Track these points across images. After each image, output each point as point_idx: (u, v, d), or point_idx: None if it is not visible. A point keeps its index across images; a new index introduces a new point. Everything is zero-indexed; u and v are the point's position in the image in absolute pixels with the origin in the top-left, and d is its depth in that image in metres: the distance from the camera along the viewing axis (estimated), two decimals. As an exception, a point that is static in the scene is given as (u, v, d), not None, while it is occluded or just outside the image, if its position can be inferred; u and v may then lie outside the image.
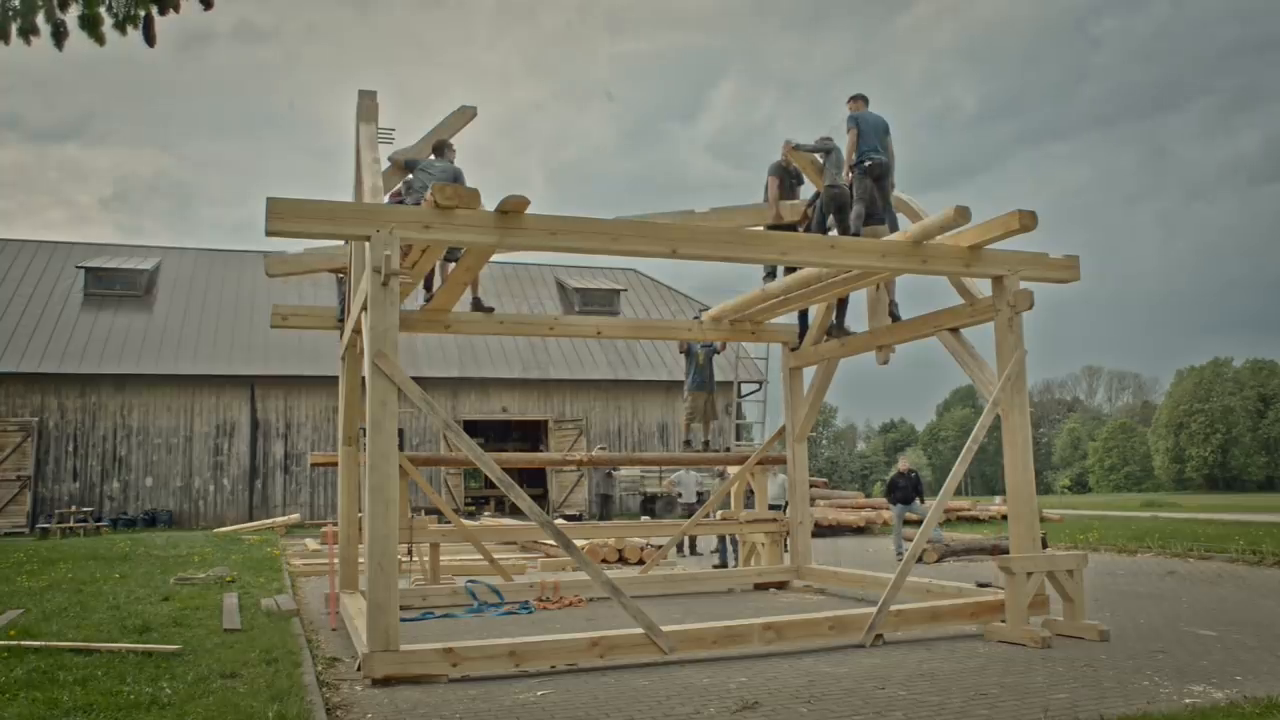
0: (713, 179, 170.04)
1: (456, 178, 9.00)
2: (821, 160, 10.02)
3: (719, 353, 13.37)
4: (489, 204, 7.28)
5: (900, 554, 15.42)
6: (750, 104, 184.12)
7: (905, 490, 15.86)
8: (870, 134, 9.61)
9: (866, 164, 9.53)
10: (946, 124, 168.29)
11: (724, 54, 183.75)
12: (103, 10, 4.06)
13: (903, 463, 16.68)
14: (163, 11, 4.14)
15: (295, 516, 25.86)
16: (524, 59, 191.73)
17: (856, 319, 10.74)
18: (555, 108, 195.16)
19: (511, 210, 7.10)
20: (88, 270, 29.77)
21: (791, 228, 10.20)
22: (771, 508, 13.21)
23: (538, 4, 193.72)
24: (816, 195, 10.15)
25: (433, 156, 9.44)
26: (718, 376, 13.88)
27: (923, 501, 16.08)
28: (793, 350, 11.72)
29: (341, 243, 9.55)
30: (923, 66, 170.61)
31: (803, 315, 11.48)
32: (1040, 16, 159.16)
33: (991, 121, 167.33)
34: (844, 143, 9.80)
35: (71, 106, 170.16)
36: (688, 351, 13.17)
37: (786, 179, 10.57)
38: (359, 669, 6.51)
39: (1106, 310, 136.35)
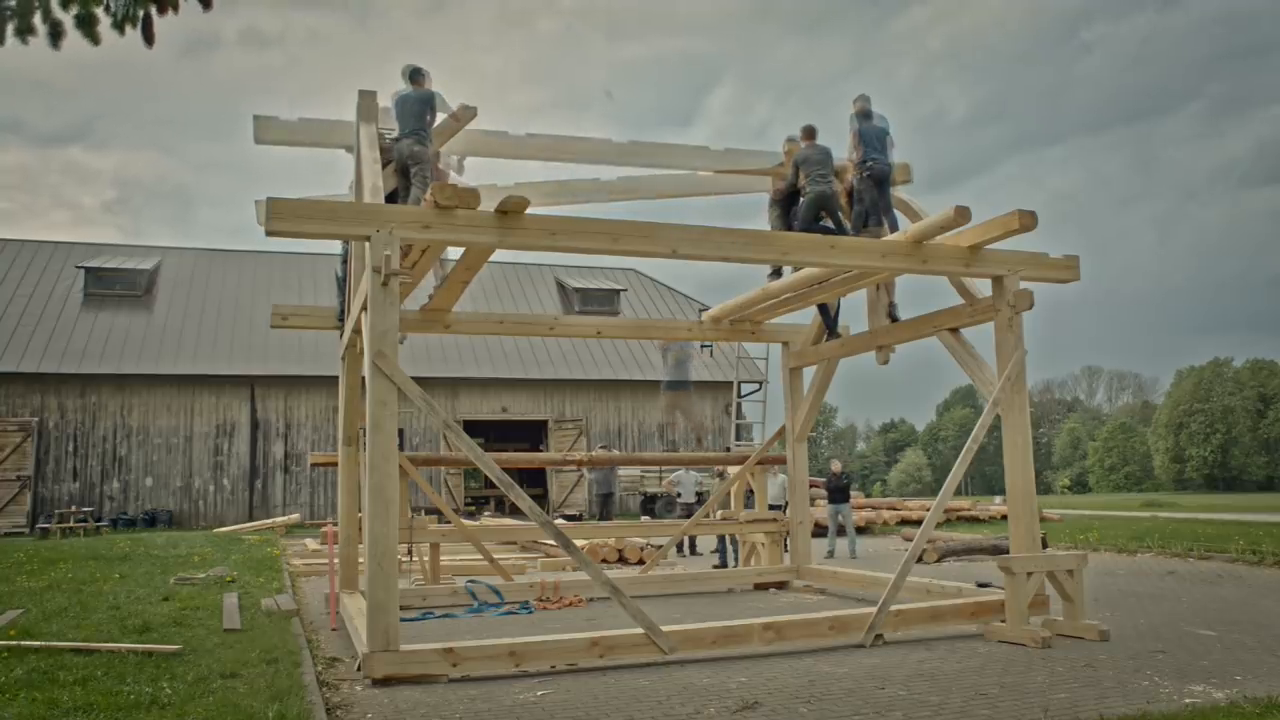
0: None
1: (430, 101, 8.83)
2: (805, 175, 9.97)
3: (691, 357, 13.53)
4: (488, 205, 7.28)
5: (831, 554, 15.62)
6: (746, 109, 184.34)
7: (836, 491, 16.52)
8: (872, 137, 9.62)
9: (869, 165, 9.53)
10: (940, 128, 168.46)
11: (720, 60, 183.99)
12: (100, 10, 4.02)
13: (835, 465, 17.06)
14: (161, 11, 4.10)
15: (295, 516, 25.84)
16: (522, 65, 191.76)
17: (857, 319, 10.72)
18: (553, 113, 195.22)
19: (511, 210, 7.11)
20: (88, 270, 29.75)
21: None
22: (771, 508, 13.22)
23: (536, 10, 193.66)
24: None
25: (409, 87, 8.99)
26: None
27: (847, 501, 16.61)
28: (820, 341, 11.45)
29: (341, 120, 9.25)
30: (916, 71, 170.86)
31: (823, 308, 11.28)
32: (1032, 22, 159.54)
33: (984, 125, 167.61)
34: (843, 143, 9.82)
35: (74, 110, 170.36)
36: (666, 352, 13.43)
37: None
38: (359, 669, 6.51)
39: (1106, 310, 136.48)
